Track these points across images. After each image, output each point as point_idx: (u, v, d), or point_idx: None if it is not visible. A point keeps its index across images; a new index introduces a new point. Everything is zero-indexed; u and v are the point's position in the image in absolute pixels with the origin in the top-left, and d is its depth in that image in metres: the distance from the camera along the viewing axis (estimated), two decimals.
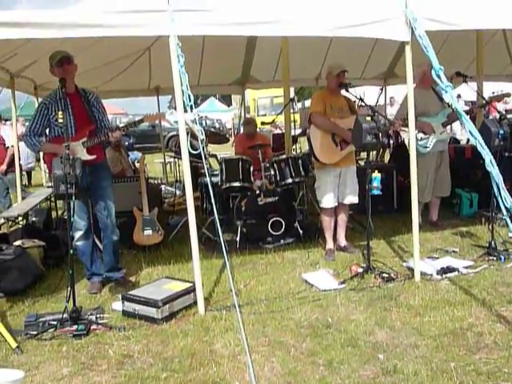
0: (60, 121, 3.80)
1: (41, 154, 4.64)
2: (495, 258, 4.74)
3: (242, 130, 7.92)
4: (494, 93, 5.69)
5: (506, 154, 5.37)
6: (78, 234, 4.39)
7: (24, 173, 12.42)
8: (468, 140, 8.09)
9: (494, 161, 3.41)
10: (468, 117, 3.76)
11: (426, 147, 5.70)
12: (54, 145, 4.31)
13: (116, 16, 3.59)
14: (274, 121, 8.60)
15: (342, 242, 5.39)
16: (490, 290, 4.07)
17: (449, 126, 5.96)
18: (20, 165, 7.06)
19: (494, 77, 9.72)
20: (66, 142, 3.71)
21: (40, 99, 5.68)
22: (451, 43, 7.61)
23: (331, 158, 5.05)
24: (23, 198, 6.82)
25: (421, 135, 5.70)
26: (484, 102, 5.86)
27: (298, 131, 8.48)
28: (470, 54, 7.65)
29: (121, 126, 4.61)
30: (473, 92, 6.59)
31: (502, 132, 4.62)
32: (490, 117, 5.78)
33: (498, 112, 5.30)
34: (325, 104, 5.06)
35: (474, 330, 3.40)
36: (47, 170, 4.70)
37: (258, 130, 7.83)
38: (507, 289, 4.08)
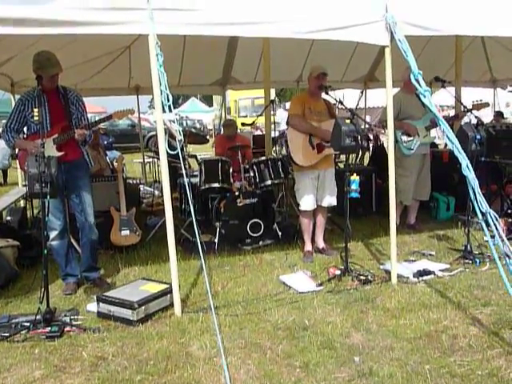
0: (36, 118, 3.74)
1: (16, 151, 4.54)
2: (471, 262, 4.80)
3: (222, 131, 7.89)
4: (473, 102, 5.76)
5: (483, 159, 5.45)
6: (52, 234, 4.32)
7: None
8: (446, 144, 8.20)
9: (470, 165, 3.45)
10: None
11: (411, 149, 5.78)
12: (25, 141, 4.28)
13: (95, 13, 3.53)
14: (254, 122, 8.58)
15: (321, 244, 5.40)
16: (465, 292, 4.12)
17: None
18: None
19: (471, 82, 9.89)
20: (41, 140, 3.65)
21: (17, 96, 5.58)
22: (431, 49, 7.70)
23: (307, 161, 5.06)
24: None
25: (405, 137, 5.77)
26: (463, 107, 5.93)
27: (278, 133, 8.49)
28: (448, 60, 7.75)
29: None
30: (451, 97, 6.68)
31: (478, 137, 4.68)
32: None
33: (476, 117, 5.37)
34: (304, 107, 5.07)
35: (448, 333, 3.43)
36: (18, 166, 4.60)
37: (238, 131, 7.81)
38: (482, 292, 4.14)
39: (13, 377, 3.05)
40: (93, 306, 3.97)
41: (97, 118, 4.74)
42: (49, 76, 4.11)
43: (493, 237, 3.33)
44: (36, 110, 3.78)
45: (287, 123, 5.19)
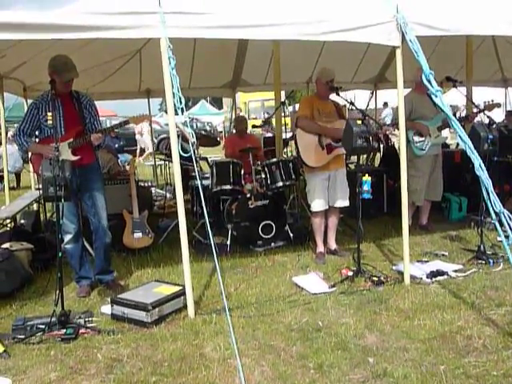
0: (49, 122, 3.77)
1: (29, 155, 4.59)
2: (484, 262, 4.77)
3: (234, 130, 7.88)
4: (485, 102, 5.74)
5: (495, 159, 5.42)
6: (67, 238, 4.35)
7: (13, 175, 12.32)
8: (457, 144, 8.16)
9: (483, 165, 3.44)
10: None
11: (423, 149, 5.76)
12: (40, 145, 4.30)
13: (106, 18, 3.56)
14: (264, 124, 8.60)
15: (333, 245, 5.40)
16: (479, 293, 4.09)
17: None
18: None
19: (482, 82, 9.83)
20: (55, 144, 3.68)
21: (29, 101, 5.64)
22: (442, 49, 7.67)
23: (317, 161, 5.06)
24: None
25: (417, 137, 5.75)
26: (474, 106, 5.90)
27: (289, 134, 8.48)
28: (460, 60, 7.71)
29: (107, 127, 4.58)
30: (462, 97, 6.66)
31: (490, 137, 4.66)
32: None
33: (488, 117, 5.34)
34: (312, 108, 5.09)
35: (463, 334, 3.41)
36: (32, 170, 4.65)
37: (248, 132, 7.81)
38: (496, 292, 4.11)
39: (29, 379, 3.08)
40: (107, 308, 4.00)
41: (107, 122, 4.79)
42: (63, 81, 4.15)
43: (507, 237, 3.31)
44: (50, 114, 3.81)
45: (296, 125, 5.21)
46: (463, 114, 7.58)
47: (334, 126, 5.03)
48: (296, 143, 5.20)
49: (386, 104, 4.86)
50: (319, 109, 5.11)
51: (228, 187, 5.89)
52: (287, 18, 3.92)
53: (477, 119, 5.91)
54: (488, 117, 5.25)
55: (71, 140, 4.24)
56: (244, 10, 3.87)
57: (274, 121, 8.27)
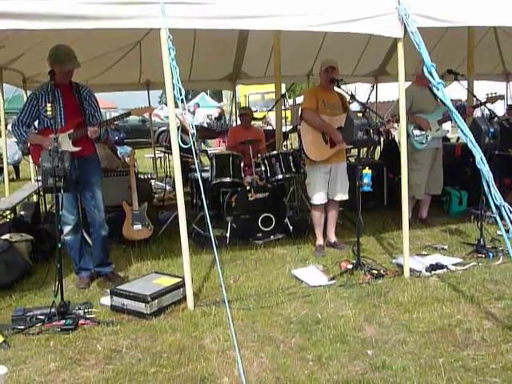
0: (49, 113, 3.76)
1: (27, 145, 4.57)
2: (484, 256, 4.77)
3: (234, 124, 7.88)
4: (488, 94, 5.70)
5: (496, 152, 5.40)
6: (66, 229, 4.34)
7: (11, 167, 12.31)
8: (458, 138, 8.15)
9: (484, 158, 3.42)
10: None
11: (423, 143, 5.74)
12: (39, 136, 4.28)
13: (106, 8, 3.53)
14: (264, 117, 8.57)
15: (332, 238, 5.40)
16: (478, 287, 4.10)
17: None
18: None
19: (484, 76, 9.81)
20: (55, 135, 3.67)
21: (29, 92, 5.62)
22: (444, 42, 7.64)
23: (320, 155, 5.05)
24: None
25: (417, 131, 5.74)
26: (476, 99, 5.88)
27: (289, 127, 8.46)
28: (461, 54, 7.68)
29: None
30: (463, 91, 6.63)
31: (492, 130, 4.65)
32: None
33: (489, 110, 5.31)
34: (317, 100, 5.06)
35: (462, 327, 3.42)
36: (31, 160, 4.63)
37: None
38: (495, 286, 4.11)
39: (28, 369, 3.08)
40: (106, 300, 4.00)
41: (107, 114, 4.78)
42: (65, 71, 4.12)
43: (507, 230, 3.30)
44: (49, 104, 3.79)
45: (300, 117, 5.18)
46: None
47: (338, 119, 4.99)
48: (299, 135, 5.18)
49: (352, 97, 4.71)
50: (324, 100, 5.08)
51: (228, 180, 5.88)
52: (288, 8, 3.89)
53: (478, 113, 5.89)
54: (489, 110, 5.23)
55: (72, 131, 4.22)
56: (245, 0, 3.84)
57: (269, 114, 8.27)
